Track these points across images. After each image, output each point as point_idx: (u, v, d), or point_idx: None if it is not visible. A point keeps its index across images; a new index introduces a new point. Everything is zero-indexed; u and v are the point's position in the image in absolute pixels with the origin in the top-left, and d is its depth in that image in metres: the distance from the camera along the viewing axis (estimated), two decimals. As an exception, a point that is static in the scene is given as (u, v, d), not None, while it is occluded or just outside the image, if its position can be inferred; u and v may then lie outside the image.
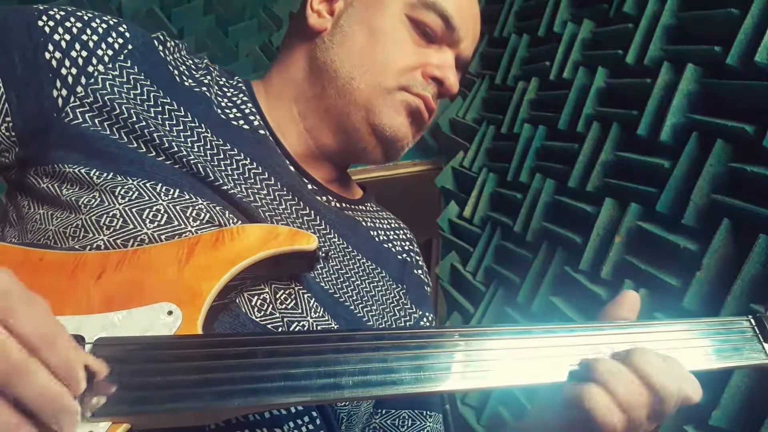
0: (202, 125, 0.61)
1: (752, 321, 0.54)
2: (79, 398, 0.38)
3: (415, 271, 0.78)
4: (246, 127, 0.65)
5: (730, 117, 1.04)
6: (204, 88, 0.64)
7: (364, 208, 0.77)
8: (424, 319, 0.75)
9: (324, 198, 0.69)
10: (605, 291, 1.23)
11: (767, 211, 0.93)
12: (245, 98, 0.68)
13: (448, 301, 1.93)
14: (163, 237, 0.51)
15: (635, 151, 1.26)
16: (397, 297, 0.73)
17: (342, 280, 0.65)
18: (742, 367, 0.53)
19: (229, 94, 0.67)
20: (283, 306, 0.56)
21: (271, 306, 0.56)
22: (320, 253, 0.56)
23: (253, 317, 0.54)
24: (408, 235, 0.81)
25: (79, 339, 0.43)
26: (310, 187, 0.68)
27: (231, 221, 0.56)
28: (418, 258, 0.80)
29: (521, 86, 1.82)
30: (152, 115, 0.58)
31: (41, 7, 0.56)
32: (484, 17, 2.45)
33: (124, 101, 0.56)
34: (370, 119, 0.67)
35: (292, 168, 0.67)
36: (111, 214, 0.51)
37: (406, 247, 0.79)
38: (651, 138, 1.22)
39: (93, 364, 0.39)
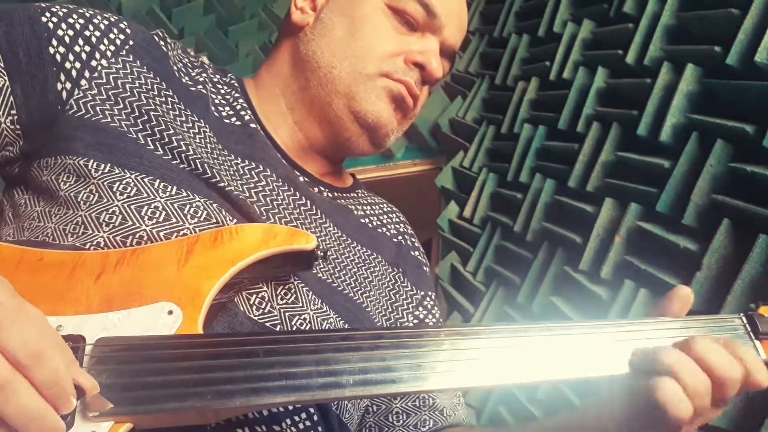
0: (201, 120, 0.62)
1: (743, 319, 0.55)
2: (76, 409, 0.38)
3: (412, 253, 0.79)
4: (238, 123, 0.66)
5: (730, 117, 1.04)
6: (200, 86, 0.65)
7: (355, 195, 0.78)
8: (427, 299, 0.76)
9: (316, 189, 0.70)
10: (605, 291, 1.23)
11: (767, 211, 0.93)
12: (237, 95, 0.69)
13: (448, 301, 1.93)
14: (161, 234, 0.52)
15: (635, 151, 1.26)
16: (394, 280, 0.73)
17: (339, 269, 0.65)
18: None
19: (222, 92, 0.68)
20: (284, 301, 0.57)
21: (269, 304, 0.56)
22: (319, 252, 0.56)
23: (251, 316, 0.54)
24: (401, 218, 0.82)
25: (80, 339, 0.43)
26: (302, 179, 0.69)
27: (228, 218, 0.56)
28: (413, 240, 0.81)
29: (521, 86, 1.82)
30: (157, 103, 0.59)
31: (44, 5, 0.57)
32: (484, 17, 2.42)
33: (128, 94, 0.57)
34: (351, 106, 0.67)
35: (284, 161, 0.68)
36: (110, 211, 0.52)
37: (401, 230, 0.79)
38: (651, 138, 1.22)
39: (84, 383, 0.38)
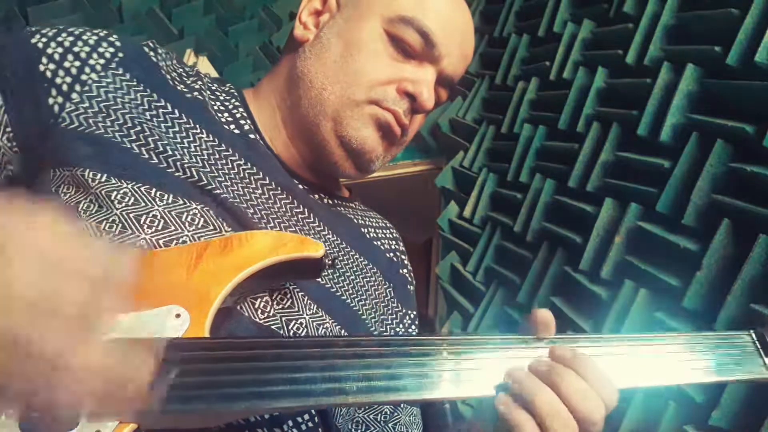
0: (197, 126, 0.63)
1: (754, 335, 0.55)
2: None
3: (401, 270, 0.80)
4: (237, 131, 0.66)
5: (730, 117, 1.05)
6: (196, 93, 0.66)
7: (354, 206, 0.78)
8: (407, 317, 0.78)
9: (316, 196, 0.71)
10: (605, 291, 1.23)
11: (767, 211, 0.93)
12: (237, 103, 0.69)
13: (448, 301, 1.93)
14: (161, 242, 0.53)
15: (635, 151, 1.27)
16: (385, 294, 0.75)
17: (338, 275, 0.66)
18: (742, 382, 0.54)
19: (221, 98, 0.69)
20: (280, 306, 0.58)
21: (271, 308, 0.57)
22: (327, 260, 0.57)
23: (257, 319, 0.55)
24: (394, 234, 0.83)
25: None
26: (301, 187, 0.69)
27: (224, 225, 0.57)
28: (403, 257, 0.82)
29: (521, 86, 1.82)
30: (147, 118, 0.59)
31: (33, 29, 0.59)
32: (484, 17, 2.41)
33: (119, 107, 0.58)
34: (337, 131, 0.66)
35: (282, 170, 0.68)
36: (110, 219, 0.53)
37: (393, 246, 0.81)
38: (651, 138, 1.23)
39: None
